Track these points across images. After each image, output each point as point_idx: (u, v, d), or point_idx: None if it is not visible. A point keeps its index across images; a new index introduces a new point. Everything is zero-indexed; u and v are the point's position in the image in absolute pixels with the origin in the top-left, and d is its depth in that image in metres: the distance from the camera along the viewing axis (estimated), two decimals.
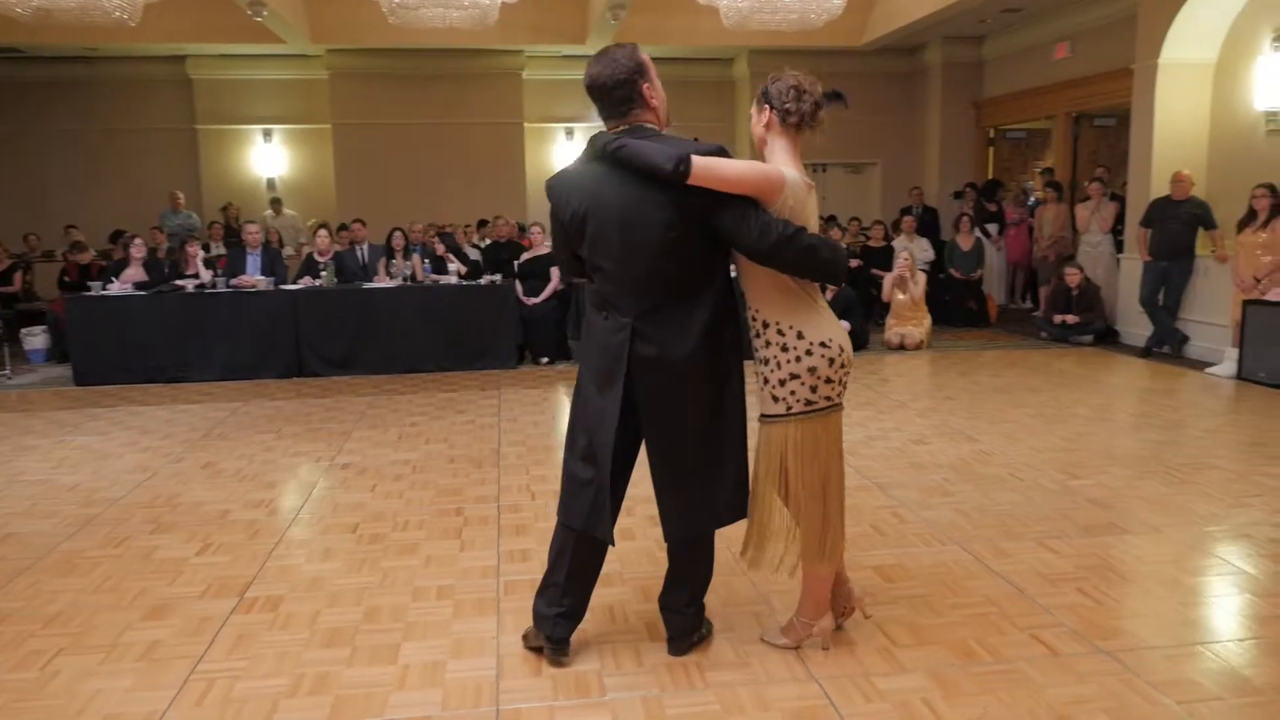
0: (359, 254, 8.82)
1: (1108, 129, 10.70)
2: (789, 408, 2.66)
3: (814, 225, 2.62)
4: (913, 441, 5.31)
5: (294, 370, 7.73)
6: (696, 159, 2.40)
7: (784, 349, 2.64)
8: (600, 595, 3.02)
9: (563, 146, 13.21)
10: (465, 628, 3.07)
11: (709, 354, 2.61)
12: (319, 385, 7.42)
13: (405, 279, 8.19)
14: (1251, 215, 7.03)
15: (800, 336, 2.63)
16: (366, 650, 2.92)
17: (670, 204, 2.46)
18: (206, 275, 8.04)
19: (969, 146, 12.56)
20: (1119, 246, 9.17)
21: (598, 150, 2.52)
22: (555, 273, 8.41)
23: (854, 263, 9.86)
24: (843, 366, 2.69)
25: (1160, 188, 8.15)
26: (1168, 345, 8.02)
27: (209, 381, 7.53)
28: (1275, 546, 3.65)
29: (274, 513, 4.29)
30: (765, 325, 2.68)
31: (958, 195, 11.84)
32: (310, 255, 8.44)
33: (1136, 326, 8.50)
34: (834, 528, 2.75)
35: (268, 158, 12.80)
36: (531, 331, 8.23)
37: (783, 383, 2.65)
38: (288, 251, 11.02)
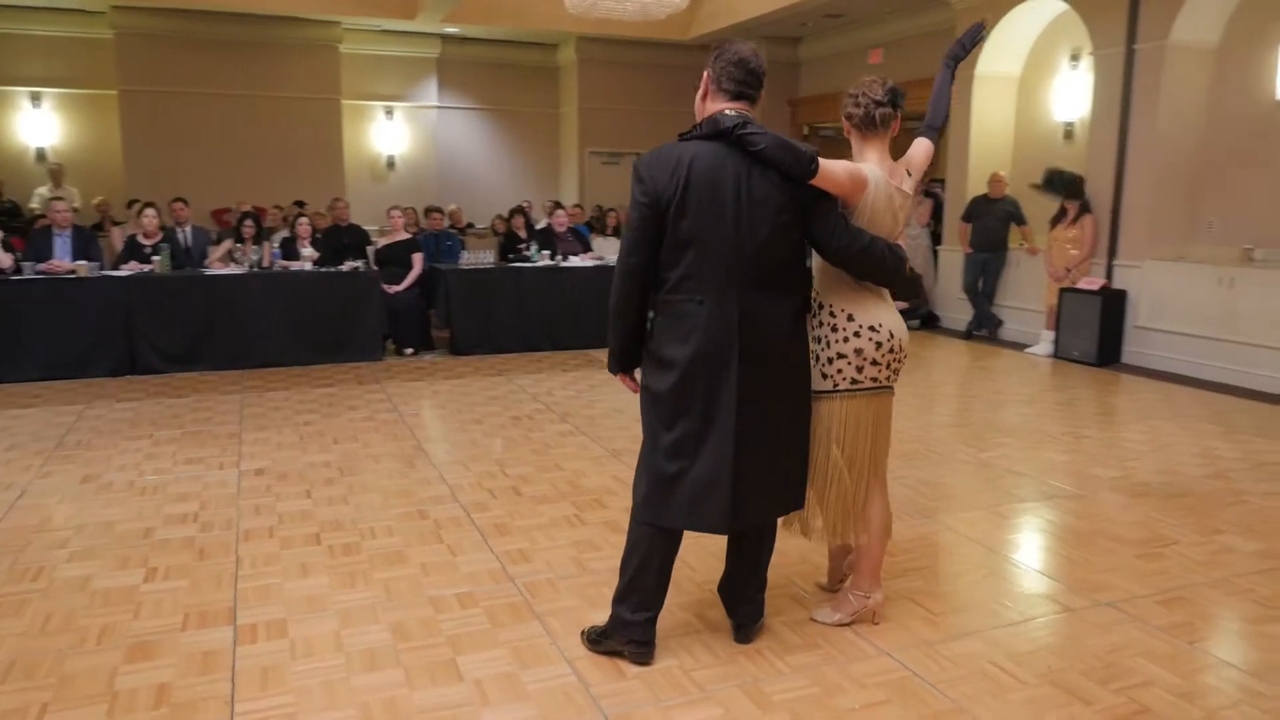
0: (181, 237, 7.97)
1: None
2: (835, 385, 2.81)
3: (894, 223, 2.77)
4: None
5: (126, 367, 6.85)
6: (821, 160, 2.53)
7: (834, 329, 2.81)
8: None
9: (382, 126, 12.51)
10: (513, 635, 2.91)
11: (796, 345, 2.70)
12: (165, 383, 6.63)
13: (252, 266, 7.48)
14: (1062, 214, 7.98)
15: (850, 319, 2.80)
16: (421, 670, 2.70)
17: (784, 186, 2.53)
18: (7, 260, 6.92)
19: None
20: (935, 239, 10.08)
21: (720, 128, 2.49)
22: (418, 259, 8.02)
23: None
24: (891, 351, 2.84)
25: (976, 187, 9.05)
26: (986, 329, 8.95)
27: (27, 382, 6.51)
28: (1183, 500, 4.22)
29: (208, 528, 3.82)
30: (821, 306, 2.84)
31: None
32: (133, 238, 7.49)
33: (955, 311, 9.40)
34: (874, 502, 2.89)
35: (37, 125, 11.18)
36: (394, 322, 7.79)
37: (830, 361, 2.81)
38: None
